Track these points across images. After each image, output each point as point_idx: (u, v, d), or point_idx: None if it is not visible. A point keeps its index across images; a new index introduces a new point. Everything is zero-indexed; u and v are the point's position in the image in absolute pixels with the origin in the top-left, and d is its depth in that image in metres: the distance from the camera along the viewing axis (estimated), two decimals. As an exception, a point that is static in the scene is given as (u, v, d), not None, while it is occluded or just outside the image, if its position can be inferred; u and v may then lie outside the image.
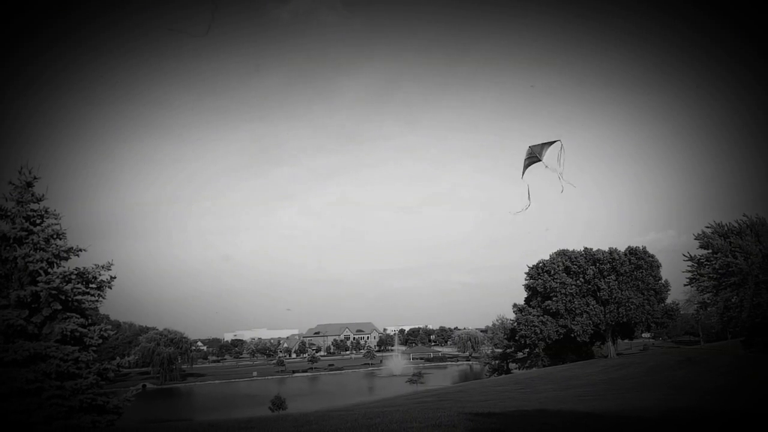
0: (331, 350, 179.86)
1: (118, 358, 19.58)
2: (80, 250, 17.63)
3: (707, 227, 35.40)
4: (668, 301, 56.17)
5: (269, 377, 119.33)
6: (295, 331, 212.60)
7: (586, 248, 56.15)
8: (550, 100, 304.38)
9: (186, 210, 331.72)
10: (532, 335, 55.50)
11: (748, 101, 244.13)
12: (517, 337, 60.09)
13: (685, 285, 39.90)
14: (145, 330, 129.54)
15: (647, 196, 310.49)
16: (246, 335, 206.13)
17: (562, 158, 14.17)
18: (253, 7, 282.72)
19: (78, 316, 16.90)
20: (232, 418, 15.79)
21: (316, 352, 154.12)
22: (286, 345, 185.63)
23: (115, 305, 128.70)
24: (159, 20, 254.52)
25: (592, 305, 52.90)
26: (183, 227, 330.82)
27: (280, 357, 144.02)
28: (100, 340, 17.29)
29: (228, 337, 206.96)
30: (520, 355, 66.42)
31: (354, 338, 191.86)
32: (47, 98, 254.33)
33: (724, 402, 15.20)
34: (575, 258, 55.00)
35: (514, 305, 61.48)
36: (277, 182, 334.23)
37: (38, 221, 17.39)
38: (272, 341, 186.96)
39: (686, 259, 36.69)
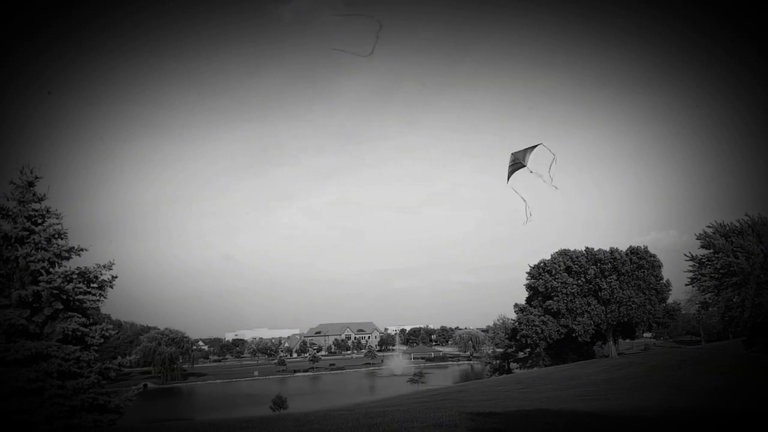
0: (332, 350, 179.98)
1: (119, 357, 19.62)
2: (81, 249, 17.66)
3: (709, 227, 35.33)
4: (669, 300, 56.19)
5: (270, 377, 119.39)
6: (296, 331, 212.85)
7: (587, 248, 56.13)
8: (550, 100, 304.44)
9: (186, 210, 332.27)
10: (534, 335, 55.48)
11: (748, 101, 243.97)
12: (518, 337, 60.08)
13: (686, 285, 39.87)
14: (146, 329, 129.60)
15: (648, 196, 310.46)
16: (247, 335, 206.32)
17: (552, 162, 14.30)
18: (253, 6, 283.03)
19: (79, 315, 16.93)
20: (234, 418, 15.80)
21: (317, 352, 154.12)
22: (287, 344, 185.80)
23: (116, 305, 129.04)
24: (159, 20, 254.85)
25: (594, 305, 52.86)
26: (183, 227, 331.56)
27: (281, 357, 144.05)
28: (102, 340, 17.32)
29: (229, 336, 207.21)
30: (521, 354, 66.40)
31: (355, 338, 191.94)
32: (47, 98, 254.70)
33: (724, 402, 15.19)
34: (576, 258, 54.96)
35: (516, 305, 61.48)
36: (277, 182, 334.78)
37: (39, 221, 17.42)
38: (273, 341, 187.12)
39: (687, 258, 36.61)
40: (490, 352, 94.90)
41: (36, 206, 17.41)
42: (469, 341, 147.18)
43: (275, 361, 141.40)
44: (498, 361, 76.93)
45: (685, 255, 36.79)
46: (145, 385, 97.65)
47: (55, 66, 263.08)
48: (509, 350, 71.82)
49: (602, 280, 52.67)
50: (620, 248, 54.44)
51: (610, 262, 53.07)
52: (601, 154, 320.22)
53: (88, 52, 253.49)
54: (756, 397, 16.40)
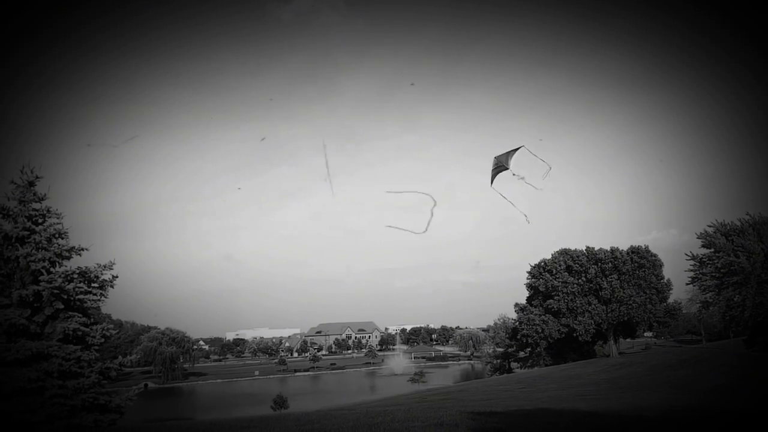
0: (333, 349, 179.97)
1: (120, 357, 19.69)
2: (82, 249, 17.64)
3: (709, 226, 35.27)
4: (670, 300, 56.21)
5: (271, 376, 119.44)
6: (297, 331, 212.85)
7: (587, 247, 56.13)
8: (550, 99, 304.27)
9: (186, 210, 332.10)
10: (534, 334, 55.48)
11: (748, 101, 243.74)
12: (518, 337, 60.08)
13: (687, 284, 39.77)
14: (147, 329, 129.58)
15: (649, 195, 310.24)
16: (248, 334, 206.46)
17: (543, 165, 14.41)
18: (253, 7, 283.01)
19: (80, 315, 16.92)
20: (234, 417, 15.80)
21: (318, 352, 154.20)
22: (287, 344, 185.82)
23: (116, 305, 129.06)
24: (159, 20, 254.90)
25: (594, 304, 52.85)
26: (183, 227, 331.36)
27: (281, 356, 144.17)
28: (102, 340, 17.32)
29: (230, 336, 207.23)
30: (521, 354, 66.38)
31: (355, 337, 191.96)
32: (47, 98, 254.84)
33: (725, 401, 15.18)
34: (577, 257, 54.95)
35: (516, 304, 61.50)
36: (277, 182, 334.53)
37: (40, 220, 17.41)
38: (274, 340, 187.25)
39: (688, 258, 36.56)
40: (490, 351, 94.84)
41: (36, 206, 17.40)
42: (470, 341, 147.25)
43: (276, 360, 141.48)
44: (499, 361, 76.93)
45: (686, 254, 36.73)
46: (146, 385, 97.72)
47: (55, 66, 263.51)
48: (510, 350, 71.81)
49: (603, 279, 52.65)
50: (621, 247, 54.49)
51: (610, 261, 53.05)
52: (601, 154, 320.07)
53: (88, 52, 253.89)
54: (757, 396, 16.38)
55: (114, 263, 17.87)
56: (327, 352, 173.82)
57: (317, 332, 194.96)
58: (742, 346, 37.39)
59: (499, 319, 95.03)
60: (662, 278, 53.76)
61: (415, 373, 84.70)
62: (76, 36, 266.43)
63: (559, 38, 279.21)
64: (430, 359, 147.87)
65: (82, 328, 16.68)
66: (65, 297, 16.51)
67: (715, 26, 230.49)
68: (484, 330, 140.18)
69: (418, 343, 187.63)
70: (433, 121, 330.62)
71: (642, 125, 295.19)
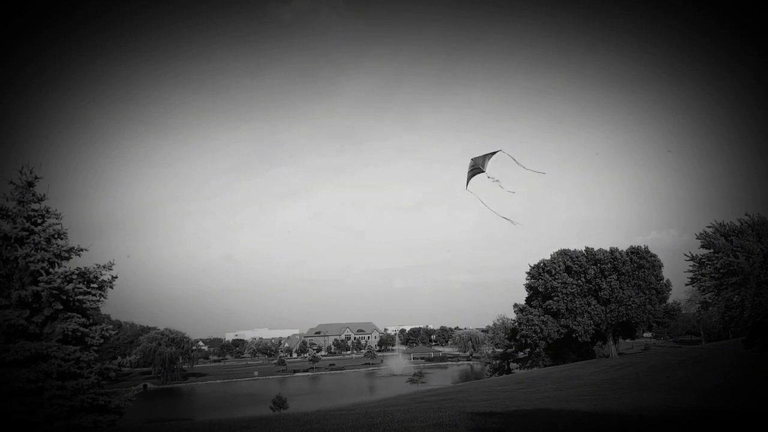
0: (332, 350, 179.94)
1: (119, 357, 19.68)
2: (81, 249, 17.62)
3: (709, 227, 35.26)
4: (670, 300, 56.21)
5: (270, 377, 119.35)
6: (296, 331, 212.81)
7: (587, 248, 56.14)
8: (550, 100, 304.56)
9: (186, 210, 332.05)
10: (533, 335, 55.48)
11: (748, 101, 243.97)
12: (518, 337, 60.09)
13: (686, 285, 39.73)
14: (146, 330, 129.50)
15: (648, 195, 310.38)
16: (247, 335, 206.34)
17: (528, 168, 14.39)
18: (253, 7, 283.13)
19: (79, 315, 16.91)
20: (233, 418, 15.79)
21: (317, 352, 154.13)
22: (287, 345, 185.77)
23: (116, 305, 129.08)
24: (159, 20, 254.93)
25: (594, 305, 52.86)
26: (182, 227, 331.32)
27: (281, 357, 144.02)
28: (102, 340, 17.30)
29: (229, 336, 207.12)
30: (521, 354, 66.41)
31: (355, 338, 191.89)
32: (47, 98, 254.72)
33: (724, 401, 15.18)
34: (576, 258, 54.96)
35: (515, 305, 61.48)
36: (277, 182, 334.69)
37: (39, 221, 17.39)
38: (273, 341, 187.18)
39: (688, 258, 36.54)
40: (489, 352, 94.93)
41: (36, 206, 17.38)
42: (469, 341, 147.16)
43: (275, 361, 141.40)
44: (498, 361, 76.97)
45: (685, 255, 36.72)
46: (145, 386, 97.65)
47: (55, 66, 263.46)
48: (509, 350, 71.84)
49: (602, 280, 52.66)
50: (620, 248, 54.50)
51: (610, 261, 53.05)
52: (601, 154, 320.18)
53: (88, 52, 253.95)
54: (756, 396, 16.38)
55: (113, 263, 17.87)
56: (326, 353, 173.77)
57: (316, 333, 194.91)
58: (741, 346, 37.41)
59: (498, 320, 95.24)
60: (661, 279, 53.77)
61: (415, 374, 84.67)
62: (76, 36, 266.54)
63: (558, 38, 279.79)
64: (429, 360, 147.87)
65: (82, 328, 16.67)
66: (64, 297, 16.49)
67: (715, 26, 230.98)
68: (483, 330, 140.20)
69: (417, 344, 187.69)
70: (433, 121, 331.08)
71: (642, 125, 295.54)
